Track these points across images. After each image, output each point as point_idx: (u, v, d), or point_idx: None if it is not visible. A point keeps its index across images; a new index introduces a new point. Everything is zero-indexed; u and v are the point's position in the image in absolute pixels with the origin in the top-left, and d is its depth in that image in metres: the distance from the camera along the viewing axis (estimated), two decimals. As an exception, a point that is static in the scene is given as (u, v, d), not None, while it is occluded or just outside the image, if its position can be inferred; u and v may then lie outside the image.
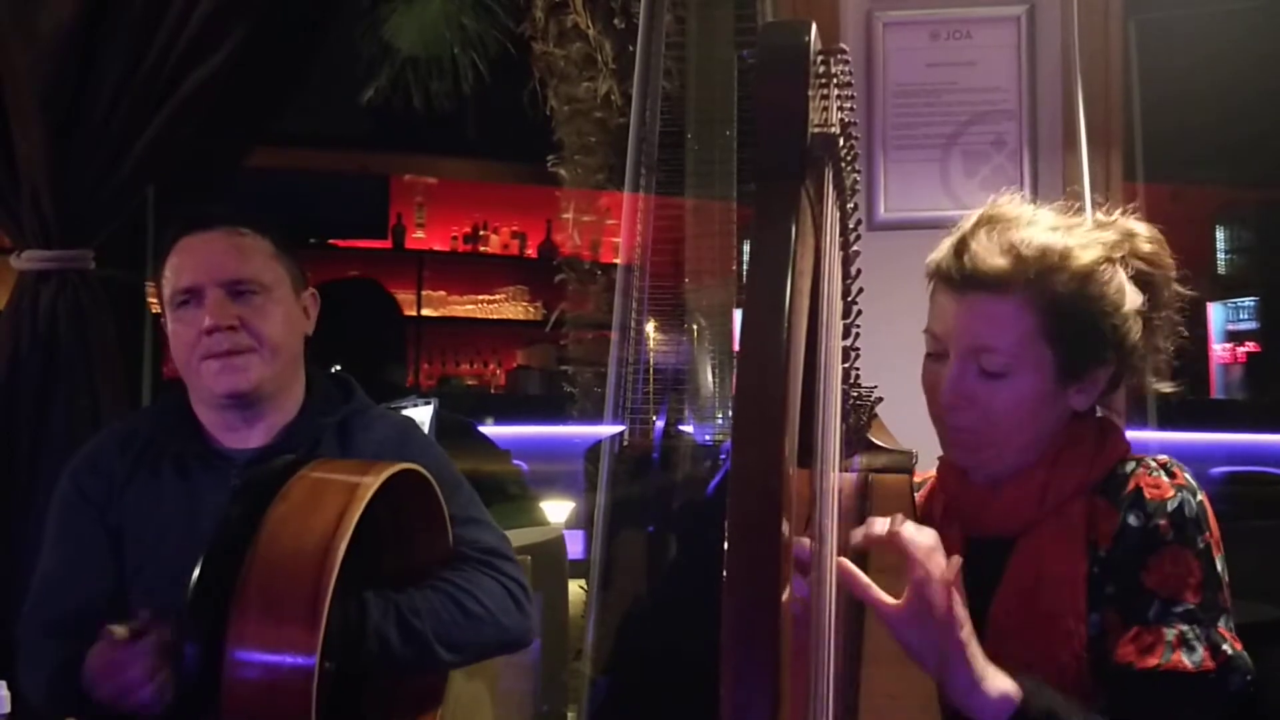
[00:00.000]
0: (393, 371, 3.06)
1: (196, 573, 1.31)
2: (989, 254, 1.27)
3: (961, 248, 1.29)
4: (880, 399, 1.41)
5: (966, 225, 1.33)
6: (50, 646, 1.60)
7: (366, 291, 3.21)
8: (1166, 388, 1.38)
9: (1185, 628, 1.23)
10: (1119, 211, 1.38)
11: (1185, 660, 1.22)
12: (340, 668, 1.48)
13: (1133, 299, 1.30)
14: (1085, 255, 1.28)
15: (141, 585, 1.67)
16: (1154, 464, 1.32)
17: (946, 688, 1.15)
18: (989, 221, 1.31)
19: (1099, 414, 1.42)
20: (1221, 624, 1.25)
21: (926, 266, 1.35)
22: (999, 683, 1.15)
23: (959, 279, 1.28)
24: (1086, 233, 1.31)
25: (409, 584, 1.60)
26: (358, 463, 1.52)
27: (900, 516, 1.16)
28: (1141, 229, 1.35)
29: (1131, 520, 1.28)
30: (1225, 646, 1.24)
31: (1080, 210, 1.37)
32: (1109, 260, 1.29)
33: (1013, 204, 1.34)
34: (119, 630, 1.46)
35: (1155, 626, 1.24)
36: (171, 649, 1.43)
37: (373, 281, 3.40)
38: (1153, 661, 1.22)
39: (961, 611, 1.14)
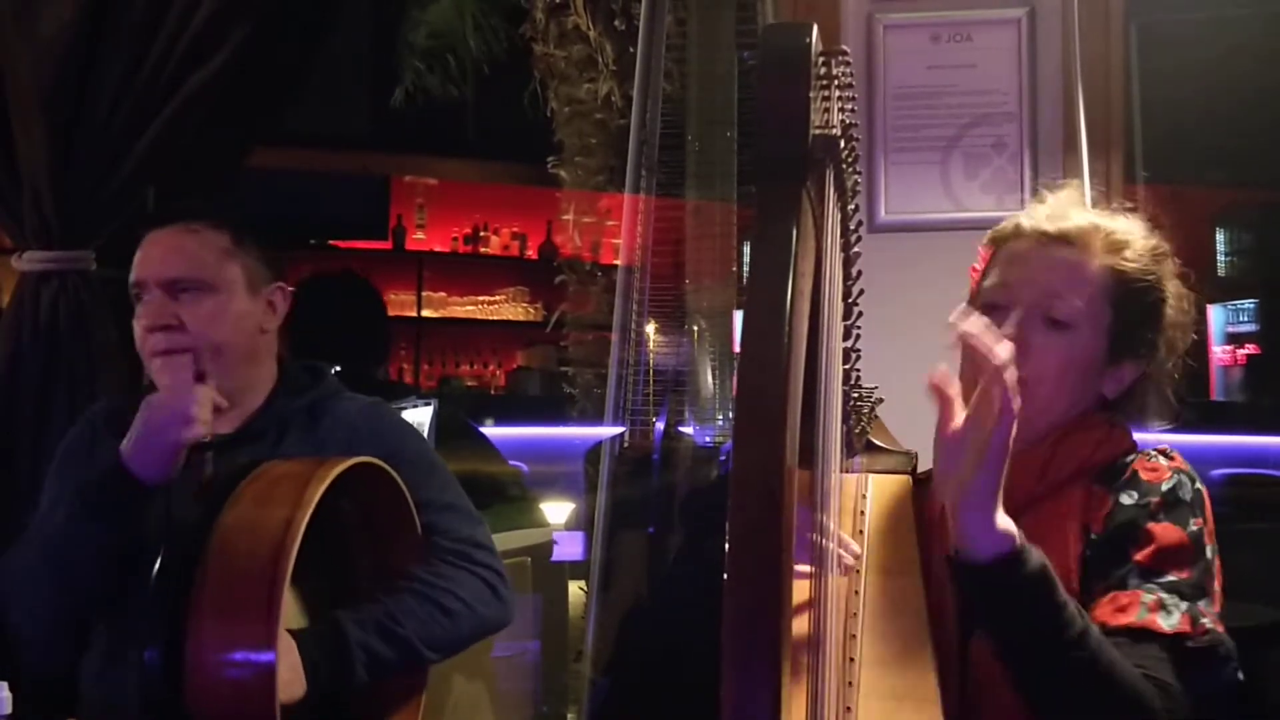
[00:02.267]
0: (373, 365, 3.04)
1: (154, 579, 1.34)
2: (1077, 215, 1.38)
3: (1049, 210, 1.39)
4: (881, 400, 1.41)
5: (1047, 198, 1.42)
6: (40, 590, 1.61)
7: (349, 287, 3.20)
8: (1164, 415, 1.41)
9: (1165, 595, 1.22)
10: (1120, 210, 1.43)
11: (1160, 621, 1.20)
12: (335, 692, 1.49)
13: (1170, 310, 1.38)
14: (1156, 244, 1.39)
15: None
16: (1153, 451, 1.34)
17: (963, 503, 1.12)
18: (1067, 200, 1.41)
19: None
20: (1203, 605, 1.23)
21: (1001, 229, 1.41)
22: (1007, 523, 1.12)
23: (1047, 231, 1.36)
24: (1144, 229, 1.41)
25: (386, 581, 1.61)
26: (313, 460, 1.53)
27: (973, 314, 1.16)
28: (1166, 247, 1.42)
29: (1124, 499, 1.29)
30: (1205, 621, 1.22)
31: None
32: (1166, 255, 1.39)
33: (1077, 196, 1.45)
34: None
35: (1133, 591, 1.23)
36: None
37: (354, 274, 3.38)
38: (1124, 620, 1.21)
39: (1008, 434, 1.10)
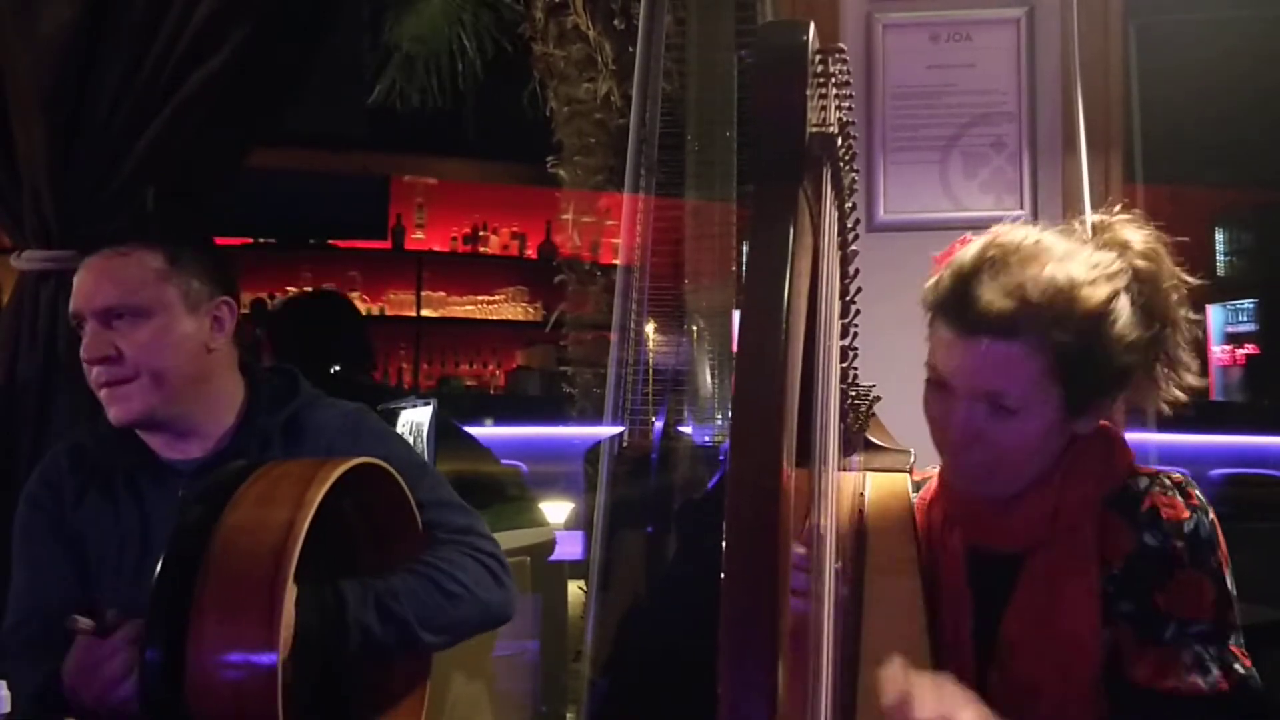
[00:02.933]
0: (357, 373, 3.10)
1: (154, 581, 1.33)
2: (995, 297, 1.23)
3: (964, 288, 1.25)
4: (878, 398, 1.41)
5: (966, 261, 1.28)
6: (29, 665, 1.59)
7: (329, 303, 3.31)
8: (1194, 381, 1.35)
9: (1200, 648, 1.24)
10: (1116, 209, 1.36)
11: (1200, 682, 1.23)
12: (326, 661, 1.49)
13: (1138, 328, 1.28)
14: (1094, 295, 1.25)
15: (105, 600, 1.64)
16: (1168, 482, 1.31)
17: None
18: (991, 260, 1.26)
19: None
20: (1233, 641, 1.26)
21: (923, 297, 1.31)
22: None
23: (964, 322, 1.25)
24: (1091, 264, 1.27)
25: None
26: (312, 461, 1.51)
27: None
28: (1136, 239, 1.32)
29: (1149, 540, 1.27)
30: (1237, 665, 1.25)
31: (1079, 215, 1.36)
32: (1114, 294, 1.27)
33: (1013, 234, 1.29)
34: (83, 621, 1.45)
35: (1171, 647, 1.24)
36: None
37: (335, 293, 3.50)
38: (1170, 684, 1.23)
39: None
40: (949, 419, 1.29)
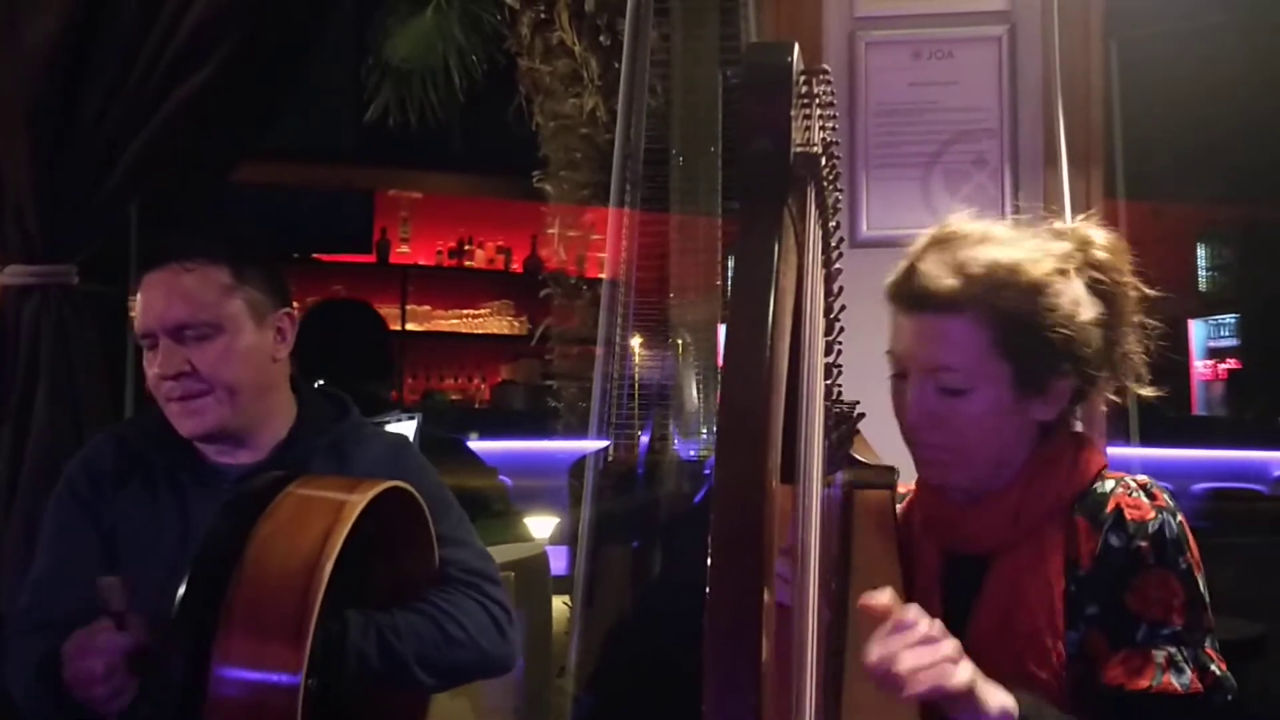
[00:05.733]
0: (378, 388, 3.08)
1: (183, 589, 1.31)
2: (939, 274, 1.28)
3: (911, 270, 1.30)
4: (862, 415, 1.42)
5: (917, 246, 1.33)
6: (39, 646, 1.58)
7: (357, 313, 3.27)
8: (1146, 391, 1.38)
9: (1173, 649, 1.24)
10: (1080, 218, 1.39)
11: (1174, 682, 1.23)
12: (320, 683, 1.48)
13: (1088, 309, 1.30)
14: (1036, 269, 1.28)
15: (133, 594, 1.66)
16: (1133, 484, 1.32)
17: (950, 710, 1.14)
18: (938, 242, 1.32)
19: (1077, 429, 1.42)
20: (1207, 644, 1.26)
21: (884, 289, 1.34)
22: (998, 698, 1.15)
23: (911, 300, 1.29)
24: (1037, 245, 1.31)
25: (395, 600, 1.60)
26: (344, 480, 1.52)
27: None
28: (1099, 237, 1.35)
29: (1113, 541, 1.28)
30: (1212, 667, 1.25)
31: (1046, 223, 1.38)
32: (1060, 272, 1.29)
33: (963, 222, 1.34)
34: (110, 581, 1.45)
35: (1144, 649, 1.25)
36: (143, 657, 1.43)
37: (364, 303, 3.47)
38: (1144, 684, 1.24)
39: (962, 671, 1.12)
40: (905, 403, 1.31)
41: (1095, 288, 1.32)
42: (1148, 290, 1.36)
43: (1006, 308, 1.27)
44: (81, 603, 1.59)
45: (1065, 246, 1.32)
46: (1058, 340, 1.29)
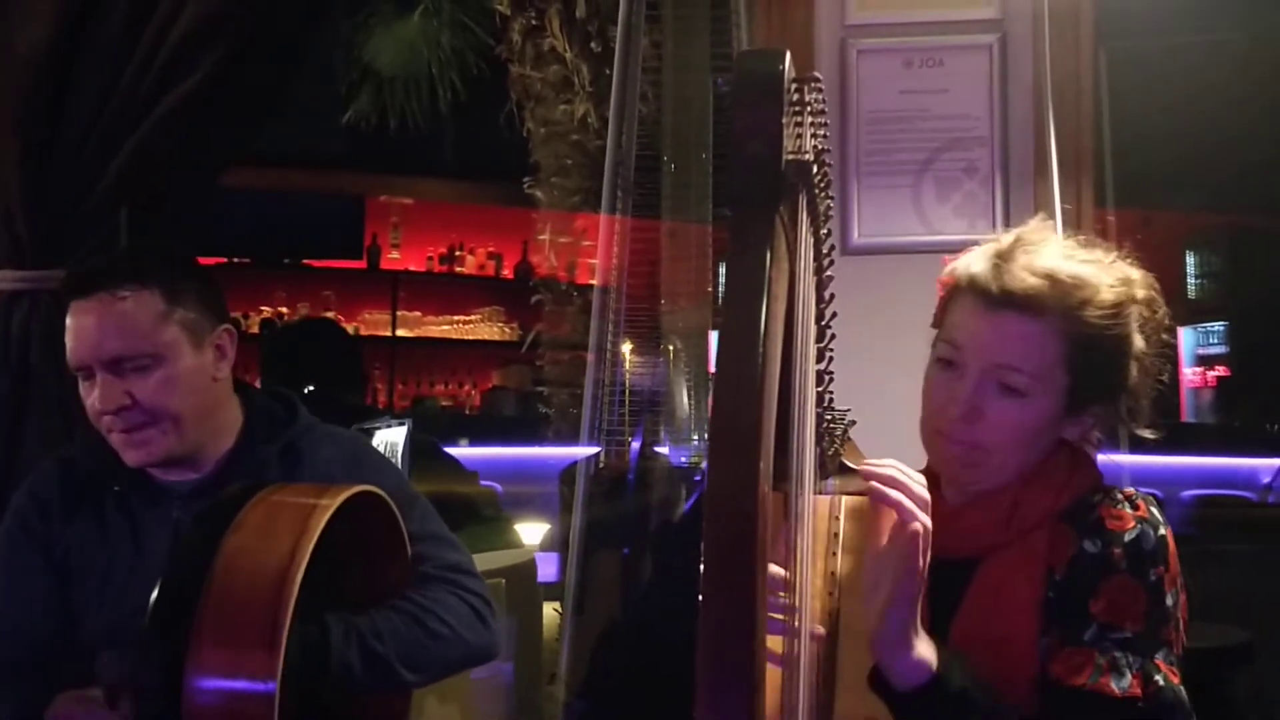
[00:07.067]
0: (353, 398, 3.09)
1: (153, 602, 1.31)
2: (1027, 274, 1.28)
3: (1000, 263, 1.30)
4: (854, 422, 1.42)
5: (1004, 243, 1.33)
6: (8, 686, 1.58)
7: (324, 329, 3.31)
8: (1148, 434, 1.39)
9: (1119, 654, 1.24)
10: (1113, 256, 1.38)
11: (1112, 684, 1.22)
12: (304, 694, 1.47)
13: (1140, 343, 1.33)
14: (1115, 293, 1.31)
15: (91, 621, 1.64)
16: (1120, 495, 1.33)
17: (878, 638, 1.15)
18: (1025, 245, 1.33)
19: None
20: (1160, 657, 1.25)
21: (952, 272, 1.35)
22: (924, 650, 1.15)
23: (994, 294, 1.29)
24: (1114, 269, 1.33)
25: (375, 601, 1.59)
26: (313, 487, 1.50)
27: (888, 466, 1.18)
28: (1137, 276, 1.37)
29: (1088, 546, 1.28)
30: (1158, 678, 1.24)
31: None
32: (1133, 300, 1.32)
33: (1049, 230, 1.36)
34: (93, 693, 1.44)
35: (1088, 648, 1.24)
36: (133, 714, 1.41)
37: (330, 319, 3.50)
38: (1079, 681, 1.23)
39: (916, 578, 1.14)
40: (954, 395, 1.30)
41: (1144, 326, 1.34)
42: (1169, 339, 1.38)
43: (1085, 324, 1.28)
44: (42, 638, 1.57)
45: (1136, 275, 1.35)
46: (1115, 367, 1.31)
